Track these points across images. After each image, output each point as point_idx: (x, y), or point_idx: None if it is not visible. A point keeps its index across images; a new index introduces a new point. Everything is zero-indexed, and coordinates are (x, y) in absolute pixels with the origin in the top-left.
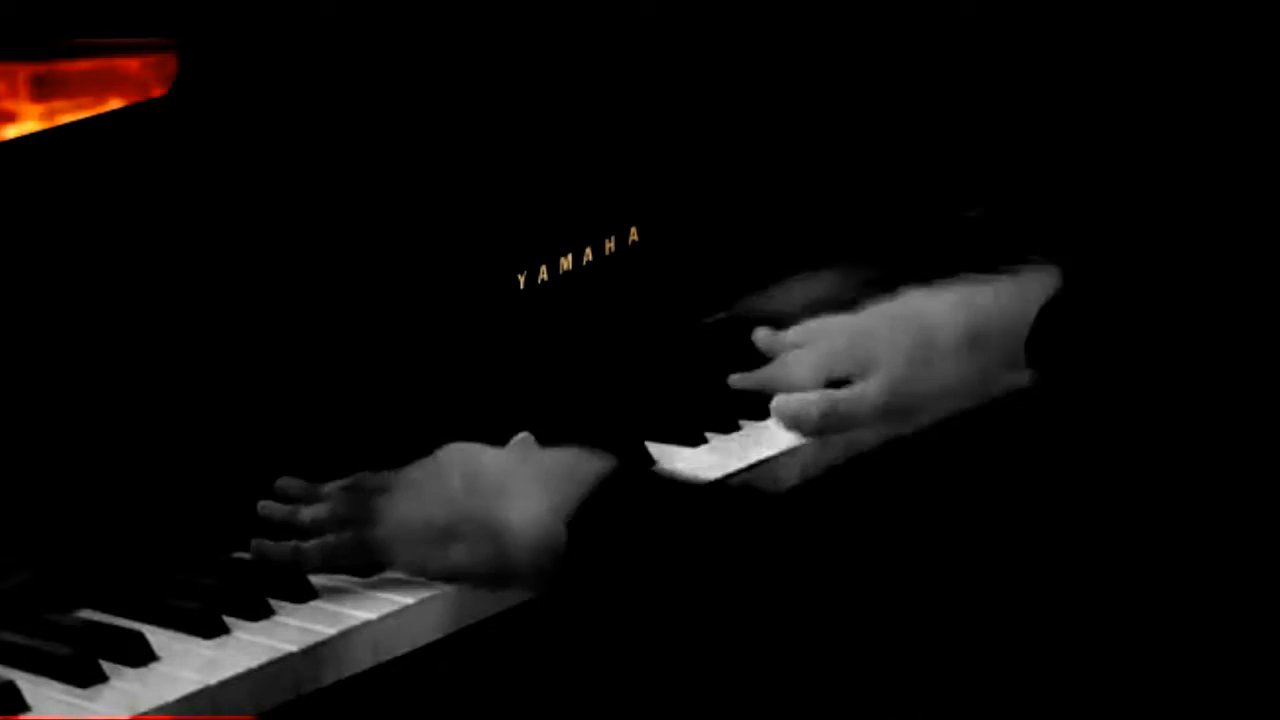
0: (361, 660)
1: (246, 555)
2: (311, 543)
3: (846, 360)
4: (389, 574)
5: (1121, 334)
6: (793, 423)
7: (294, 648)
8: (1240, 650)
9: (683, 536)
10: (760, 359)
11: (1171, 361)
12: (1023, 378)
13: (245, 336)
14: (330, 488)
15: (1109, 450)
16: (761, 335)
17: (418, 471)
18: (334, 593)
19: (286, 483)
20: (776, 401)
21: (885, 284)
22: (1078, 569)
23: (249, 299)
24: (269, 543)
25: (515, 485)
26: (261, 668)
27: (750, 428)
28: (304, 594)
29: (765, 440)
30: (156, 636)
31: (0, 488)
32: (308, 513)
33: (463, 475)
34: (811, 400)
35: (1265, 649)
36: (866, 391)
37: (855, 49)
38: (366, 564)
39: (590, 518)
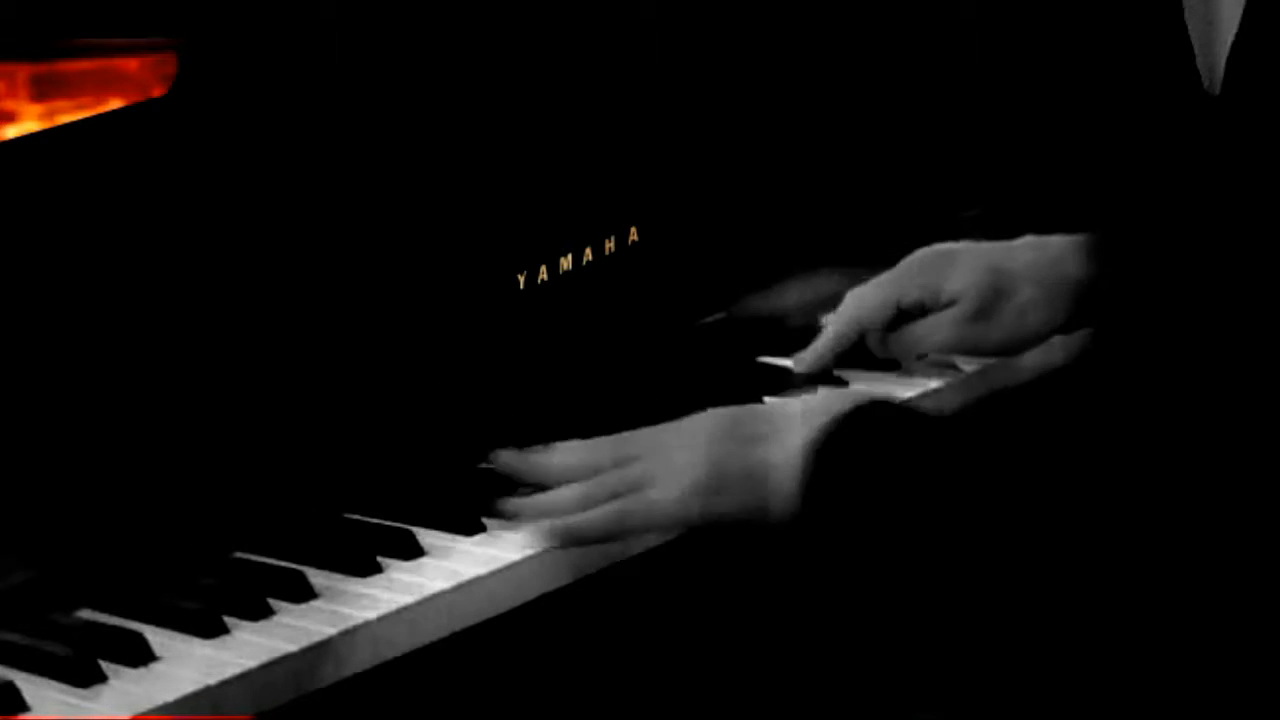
0: (361, 660)
1: (246, 555)
2: (578, 509)
3: (916, 289)
4: (390, 573)
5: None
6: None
7: (294, 648)
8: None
9: (932, 470)
10: (759, 360)
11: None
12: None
13: (245, 336)
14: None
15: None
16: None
17: (676, 426)
18: (334, 593)
19: (506, 455)
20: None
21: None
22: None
23: (249, 299)
24: (526, 500)
25: (773, 426)
26: (261, 668)
27: None
28: (304, 594)
29: None
30: (156, 636)
31: (0, 488)
32: (559, 459)
33: (719, 423)
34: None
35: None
36: (942, 320)
37: (854, 49)
38: (626, 525)
39: (836, 448)
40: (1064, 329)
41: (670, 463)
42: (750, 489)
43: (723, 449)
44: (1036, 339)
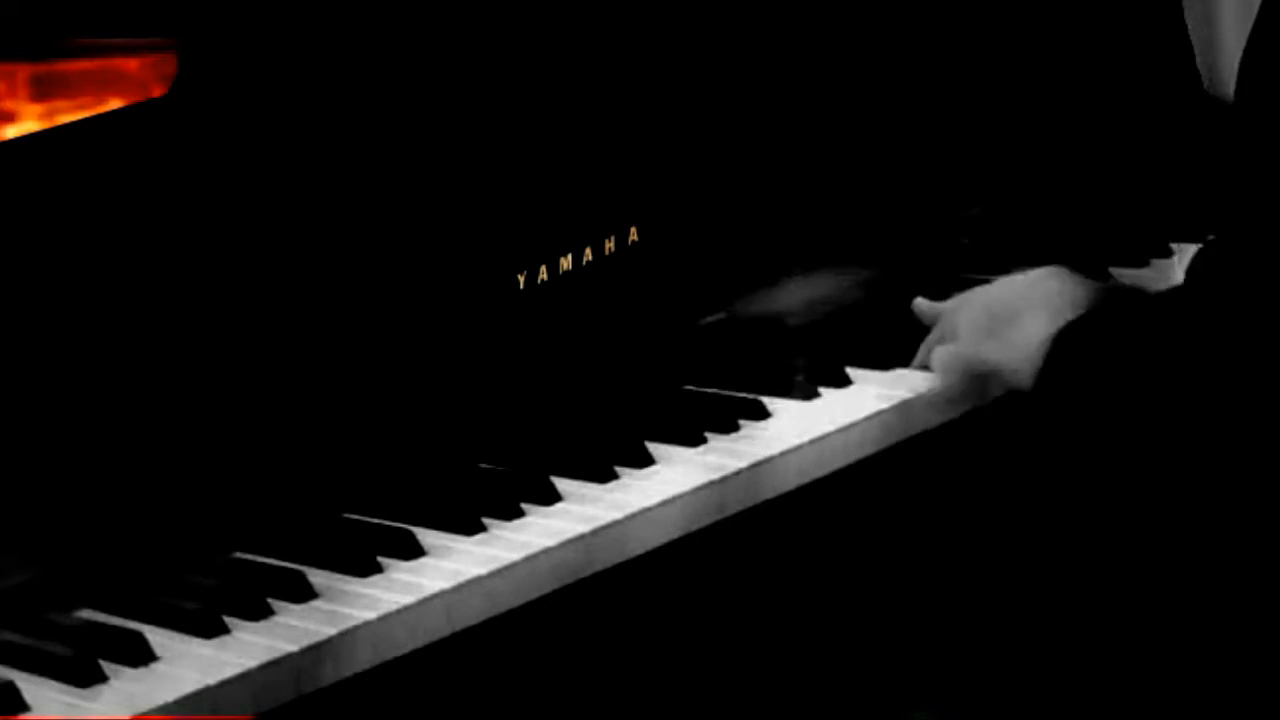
0: (361, 660)
1: (246, 555)
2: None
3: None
4: (390, 573)
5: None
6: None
7: (294, 648)
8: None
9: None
10: (757, 359)
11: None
12: None
13: (245, 336)
14: None
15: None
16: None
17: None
18: (334, 593)
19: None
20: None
21: (884, 284)
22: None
23: (249, 299)
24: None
25: (1037, 303)
26: (261, 668)
27: (750, 428)
28: (304, 594)
29: (765, 440)
30: (156, 636)
31: (0, 488)
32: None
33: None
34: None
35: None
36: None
37: (855, 49)
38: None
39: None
40: None
41: (968, 313)
42: (1012, 349)
43: (1011, 301)
44: None
